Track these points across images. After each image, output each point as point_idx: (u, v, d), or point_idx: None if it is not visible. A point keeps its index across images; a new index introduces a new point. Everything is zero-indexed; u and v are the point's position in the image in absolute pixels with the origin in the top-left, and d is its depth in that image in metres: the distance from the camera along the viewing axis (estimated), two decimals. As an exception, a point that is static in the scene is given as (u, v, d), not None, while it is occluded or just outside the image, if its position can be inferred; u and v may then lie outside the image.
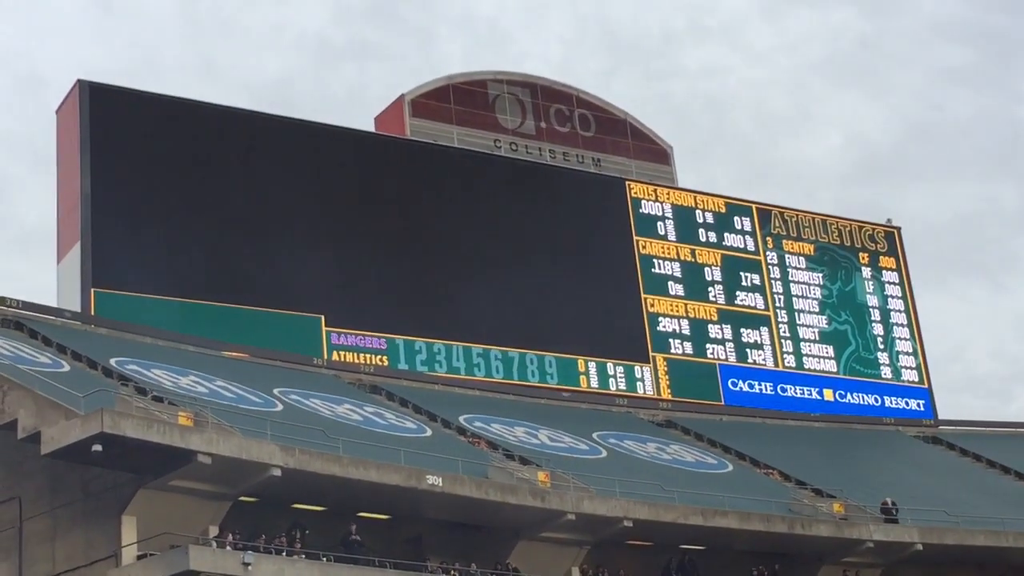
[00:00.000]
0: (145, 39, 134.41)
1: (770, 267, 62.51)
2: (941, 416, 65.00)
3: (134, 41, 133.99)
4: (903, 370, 64.76)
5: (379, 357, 51.15)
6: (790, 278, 63.12)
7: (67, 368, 39.29)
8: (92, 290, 45.68)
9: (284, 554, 34.83)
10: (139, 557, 33.65)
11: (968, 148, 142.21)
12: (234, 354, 47.06)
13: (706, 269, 60.70)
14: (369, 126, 57.07)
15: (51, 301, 46.22)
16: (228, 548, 33.64)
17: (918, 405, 64.45)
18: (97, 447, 32.44)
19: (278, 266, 50.27)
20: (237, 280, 49.11)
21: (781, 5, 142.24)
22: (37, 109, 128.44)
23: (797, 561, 44.85)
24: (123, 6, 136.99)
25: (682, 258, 60.23)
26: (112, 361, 40.79)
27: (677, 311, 59.02)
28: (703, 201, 62.41)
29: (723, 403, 58.74)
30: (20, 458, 35.55)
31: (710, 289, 60.46)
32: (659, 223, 60.25)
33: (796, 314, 62.58)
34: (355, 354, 50.71)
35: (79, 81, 48.27)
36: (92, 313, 45.54)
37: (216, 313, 48.16)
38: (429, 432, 45.29)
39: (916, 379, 64.91)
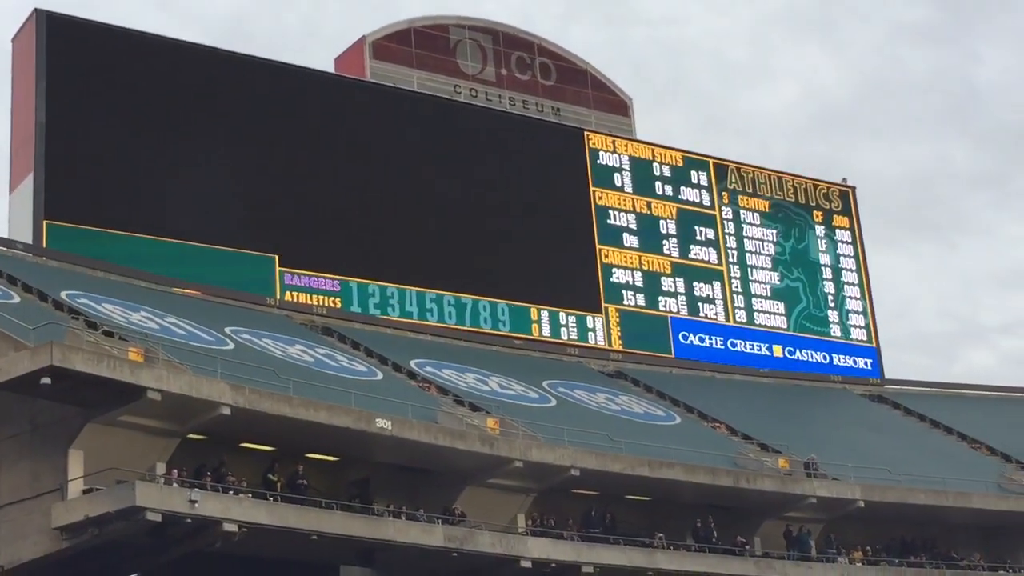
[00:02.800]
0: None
1: (725, 222, 62.72)
2: (887, 375, 65.68)
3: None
4: (852, 328, 65.30)
5: (332, 299, 51.05)
6: (744, 234, 63.38)
7: (17, 300, 39.03)
8: (44, 222, 45.26)
9: (231, 492, 34.88)
10: (85, 491, 33.51)
11: (923, 106, 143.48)
12: (186, 291, 46.88)
13: (661, 222, 60.82)
14: (328, 66, 56.62)
15: (2, 232, 45.99)
16: (175, 485, 33.62)
17: (865, 364, 65.06)
18: (46, 380, 32.20)
19: (233, 204, 49.96)
20: (191, 217, 48.74)
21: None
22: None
23: (741, 514, 45.21)
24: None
25: (638, 210, 60.33)
26: (63, 294, 40.54)
27: (631, 263, 59.19)
28: (660, 154, 62.45)
29: (674, 356, 59.03)
30: (-32, 389, 35.37)
31: (664, 242, 60.63)
32: (616, 174, 60.28)
33: (749, 270, 62.92)
34: (308, 295, 50.60)
35: (36, 10, 47.54)
36: (44, 245, 45.19)
37: (169, 249, 47.83)
38: (380, 375, 45.36)
39: (864, 338, 65.48)
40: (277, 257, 50.04)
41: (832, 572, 45.17)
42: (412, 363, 47.45)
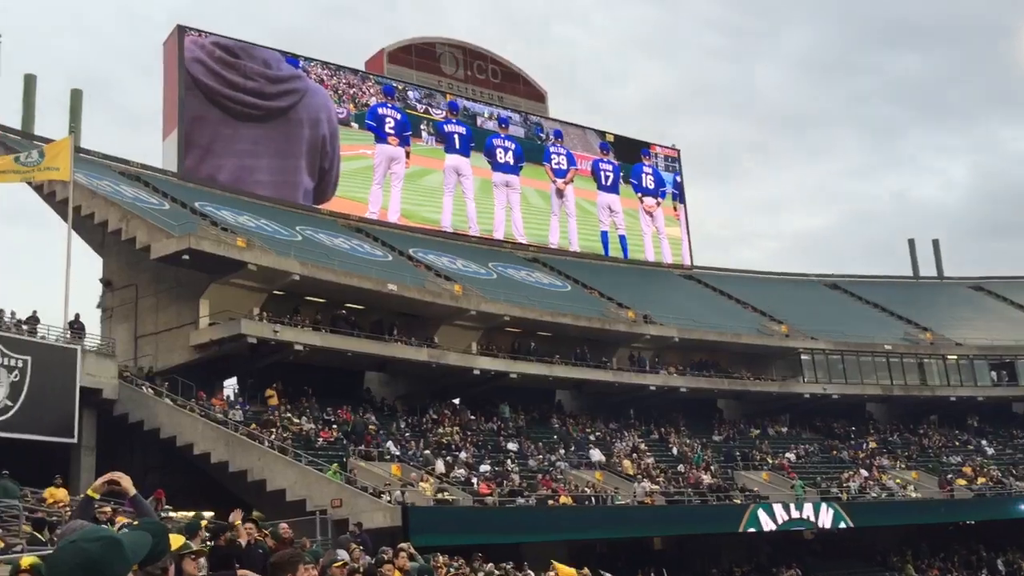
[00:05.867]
0: None
1: None
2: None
3: None
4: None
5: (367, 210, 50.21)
6: None
7: (167, 207, 38.98)
8: (186, 159, 44.52)
9: (299, 326, 35.39)
10: (210, 324, 34.04)
11: None
12: (268, 204, 46.20)
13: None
14: (360, 66, 54.84)
15: (157, 163, 45.19)
16: (265, 322, 34.13)
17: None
18: (185, 256, 32.56)
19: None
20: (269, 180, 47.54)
21: None
22: (135, 33, 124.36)
23: (604, 345, 45.32)
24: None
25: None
26: (196, 204, 40.45)
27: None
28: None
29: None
30: (137, 260, 35.55)
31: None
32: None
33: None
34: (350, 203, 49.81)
35: (177, 26, 46.03)
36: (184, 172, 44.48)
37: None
38: (391, 258, 45.45)
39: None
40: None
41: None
42: (410, 250, 47.40)
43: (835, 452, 47.23)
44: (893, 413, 52.77)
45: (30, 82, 41.75)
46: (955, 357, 51.54)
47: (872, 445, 48.54)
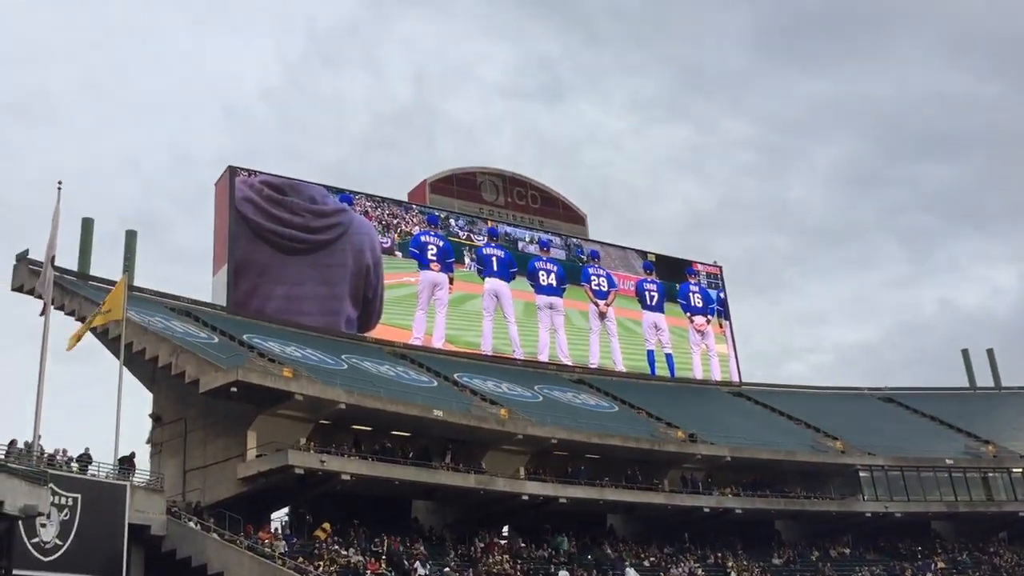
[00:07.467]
0: (255, 135, 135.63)
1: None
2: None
3: (247, 134, 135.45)
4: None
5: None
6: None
7: (217, 340, 39.49)
8: (234, 293, 45.29)
9: (345, 455, 35.14)
10: (257, 456, 33.94)
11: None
12: (314, 334, 46.72)
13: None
14: (403, 197, 55.71)
15: (207, 298, 45.93)
16: (312, 452, 33.97)
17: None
18: (234, 389, 32.77)
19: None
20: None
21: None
22: (187, 174, 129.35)
23: (654, 465, 44.42)
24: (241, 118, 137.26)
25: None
26: (244, 336, 40.94)
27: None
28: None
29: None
30: (186, 394, 35.83)
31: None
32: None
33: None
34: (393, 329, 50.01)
35: (229, 167, 47.47)
36: (233, 307, 45.20)
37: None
38: (435, 384, 45.37)
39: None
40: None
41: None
42: (455, 375, 47.34)
43: (905, 574, 45.04)
44: (960, 531, 50.54)
45: (88, 225, 43.15)
46: (1020, 470, 49.64)
47: (941, 565, 46.32)
